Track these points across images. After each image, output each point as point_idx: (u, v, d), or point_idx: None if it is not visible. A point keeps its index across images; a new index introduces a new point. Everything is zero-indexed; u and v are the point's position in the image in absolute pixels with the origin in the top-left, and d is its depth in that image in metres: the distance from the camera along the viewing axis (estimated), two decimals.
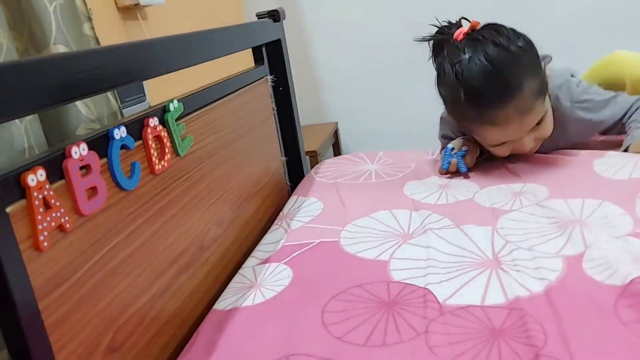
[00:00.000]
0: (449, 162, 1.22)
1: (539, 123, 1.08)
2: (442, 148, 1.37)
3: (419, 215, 1.03)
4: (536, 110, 1.05)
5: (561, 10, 2.16)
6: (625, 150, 1.09)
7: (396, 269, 0.84)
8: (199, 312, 0.84)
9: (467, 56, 1.04)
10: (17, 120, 0.77)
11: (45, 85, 0.55)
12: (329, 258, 0.93)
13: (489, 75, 1.01)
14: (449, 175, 1.23)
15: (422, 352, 0.64)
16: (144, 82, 1.30)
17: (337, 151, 2.49)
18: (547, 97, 1.09)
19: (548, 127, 1.11)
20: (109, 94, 1.00)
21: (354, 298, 0.78)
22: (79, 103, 0.91)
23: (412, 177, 1.27)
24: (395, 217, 1.05)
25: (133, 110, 1.21)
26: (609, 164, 1.05)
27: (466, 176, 1.21)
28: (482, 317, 0.69)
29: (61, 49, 0.92)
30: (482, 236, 0.90)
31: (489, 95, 1.02)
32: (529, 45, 1.06)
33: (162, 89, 1.36)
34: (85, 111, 0.94)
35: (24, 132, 0.83)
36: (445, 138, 1.36)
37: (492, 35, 1.04)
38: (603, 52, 1.31)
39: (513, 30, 1.07)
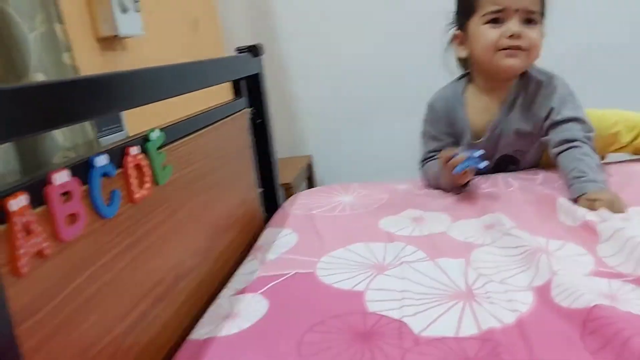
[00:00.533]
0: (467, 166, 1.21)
1: (531, 22, 1.25)
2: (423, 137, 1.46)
3: (394, 247, 1.05)
4: None
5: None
6: (575, 200, 1.12)
7: (372, 300, 0.85)
8: (173, 343, 0.83)
9: None
10: None
11: (25, 112, 0.54)
12: (305, 289, 0.93)
13: None
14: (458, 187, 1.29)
15: None
16: (122, 112, 1.30)
17: (311, 184, 2.51)
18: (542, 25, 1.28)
19: (536, 38, 1.25)
20: (86, 123, 1.00)
21: (330, 329, 0.79)
22: (55, 131, 0.91)
23: (387, 209, 1.29)
24: (371, 249, 1.06)
25: (109, 140, 1.21)
26: (568, 213, 1.08)
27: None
28: (456, 348, 0.70)
29: (40, 77, 0.92)
30: (455, 269, 0.92)
31: None
32: None
33: (139, 119, 1.36)
34: (62, 139, 0.94)
35: None
36: (429, 123, 1.45)
37: None
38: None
39: None
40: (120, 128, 1.32)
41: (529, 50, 1.25)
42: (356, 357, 0.71)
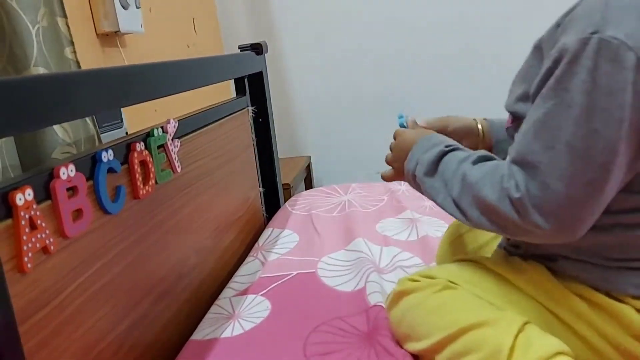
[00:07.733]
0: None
1: None
2: None
3: (390, 251, 1.06)
4: None
5: None
6: None
7: (372, 292, 0.87)
8: (175, 342, 0.82)
9: None
10: None
11: (26, 106, 0.52)
12: (307, 290, 0.92)
13: None
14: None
15: None
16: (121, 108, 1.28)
17: (309, 185, 2.49)
18: None
19: None
20: (87, 118, 0.98)
21: (334, 330, 0.78)
22: (55, 125, 0.89)
23: (385, 212, 1.29)
24: (369, 247, 1.06)
25: (110, 136, 1.19)
26: None
27: None
28: None
29: (41, 71, 0.90)
30: None
31: None
32: None
33: (137, 116, 1.35)
34: (62, 134, 0.92)
35: None
36: None
37: None
38: None
39: None
40: (120, 124, 1.30)
41: None
42: (362, 359, 0.70)
